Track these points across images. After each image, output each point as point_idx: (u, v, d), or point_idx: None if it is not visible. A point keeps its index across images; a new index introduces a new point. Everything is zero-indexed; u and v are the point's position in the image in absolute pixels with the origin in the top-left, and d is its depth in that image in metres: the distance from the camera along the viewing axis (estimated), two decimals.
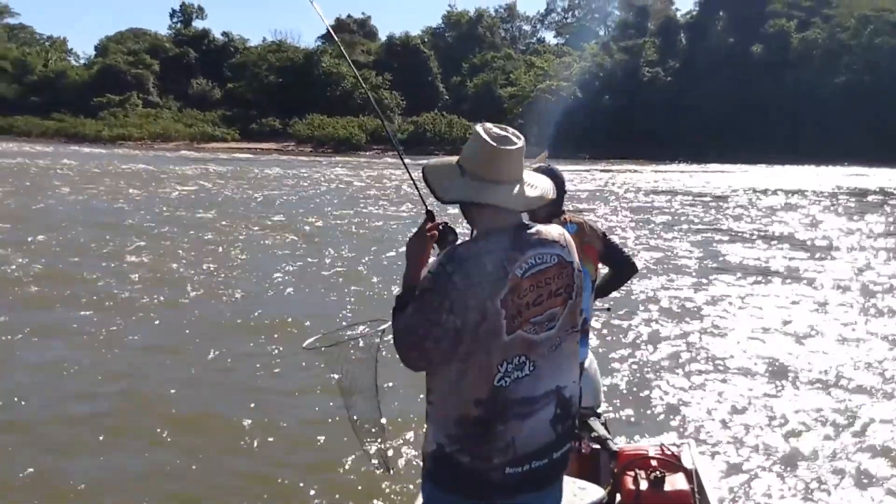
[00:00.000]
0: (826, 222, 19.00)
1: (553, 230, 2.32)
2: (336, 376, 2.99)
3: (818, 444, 5.32)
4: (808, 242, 15.41)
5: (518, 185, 2.27)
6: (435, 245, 2.52)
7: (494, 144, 2.23)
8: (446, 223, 2.56)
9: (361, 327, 3.02)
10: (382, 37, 77.19)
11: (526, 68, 66.28)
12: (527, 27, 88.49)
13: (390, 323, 2.56)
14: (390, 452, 4.70)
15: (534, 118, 55.00)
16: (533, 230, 2.27)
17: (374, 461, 3.31)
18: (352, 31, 77.82)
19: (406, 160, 3.07)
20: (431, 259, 2.36)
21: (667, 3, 74.35)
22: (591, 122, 55.42)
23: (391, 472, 4.31)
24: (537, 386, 2.24)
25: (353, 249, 13.07)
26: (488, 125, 2.29)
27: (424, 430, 2.36)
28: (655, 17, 69.57)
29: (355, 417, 3.21)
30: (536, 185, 2.32)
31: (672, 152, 50.04)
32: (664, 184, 31.50)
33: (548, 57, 69.60)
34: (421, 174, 2.34)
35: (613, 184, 30.90)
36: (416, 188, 2.64)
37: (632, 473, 3.34)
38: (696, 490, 3.33)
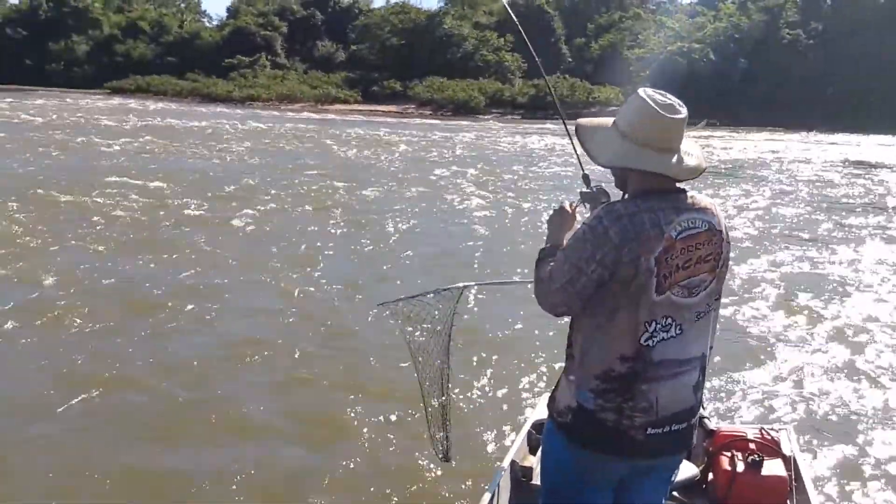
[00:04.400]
0: None
1: (705, 198, 2.34)
2: (409, 335, 3.12)
3: None
4: None
5: (679, 154, 2.27)
6: (587, 205, 2.69)
7: (663, 112, 2.23)
8: (600, 185, 2.72)
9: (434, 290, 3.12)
10: None
11: (656, 29, 63.33)
12: None
13: (469, 284, 3.01)
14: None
15: (662, 82, 52.56)
16: (688, 195, 2.29)
17: (439, 447, 3.38)
18: None
19: (565, 126, 2.99)
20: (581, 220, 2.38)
21: None
22: (724, 86, 52.55)
23: (452, 462, 4.14)
24: (684, 350, 2.28)
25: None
26: (649, 91, 2.31)
27: (558, 381, 2.40)
28: None
29: (427, 383, 3.27)
30: (693, 153, 2.32)
31: (813, 121, 46.70)
32: (808, 154, 29.30)
33: (680, 17, 66.16)
34: (574, 132, 2.37)
35: (753, 153, 29.01)
36: (576, 154, 2.70)
37: (728, 454, 3.29)
38: (793, 478, 3.26)
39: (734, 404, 5.44)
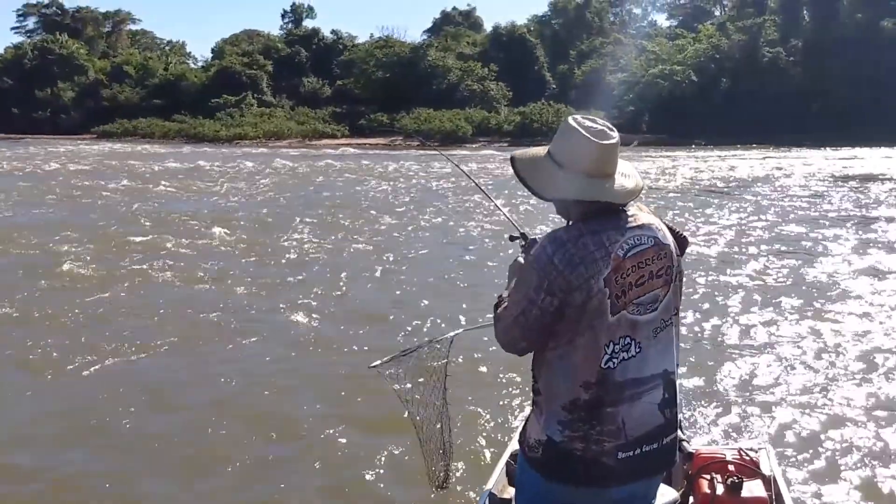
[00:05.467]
0: None
1: (646, 214, 2.31)
2: (406, 398, 3.07)
3: None
4: None
5: (617, 179, 2.25)
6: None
7: (595, 139, 2.21)
8: (540, 236, 2.57)
9: (426, 341, 3.11)
10: (488, 27, 76.61)
11: (637, 53, 64.12)
12: (637, 10, 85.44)
13: (458, 332, 2.89)
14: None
15: (646, 104, 53.21)
16: (629, 214, 2.27)
17: (439, 475, 3.35)
18: (458, 23, 77.66)
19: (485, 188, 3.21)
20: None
21: None
22: (707, 106, 53.07)
23: (446, 489, 4.11)
24: (644, 367, 2.24)
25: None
26: (578, 118, 2.28)
27: (528, 418, 2.38)
28: None
29: (422, 438, 3.25)
30: (630, 174, 2.30)
31: (797, 136, 47.18)
32: (795, 169, 29.50)
33: (660, 40, 67.03)
34: (510, 165, 2.31)
35: (739, 171, 29.23)
36: (503, 212, 2.85)
37: (708, 477, 3.28)
38: (773, 498, 3.27)
39: (712, 425, 5.38)
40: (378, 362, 3.14)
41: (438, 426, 3.37)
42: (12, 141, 53.51)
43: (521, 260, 2.51)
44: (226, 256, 11.67)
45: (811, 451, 4.98)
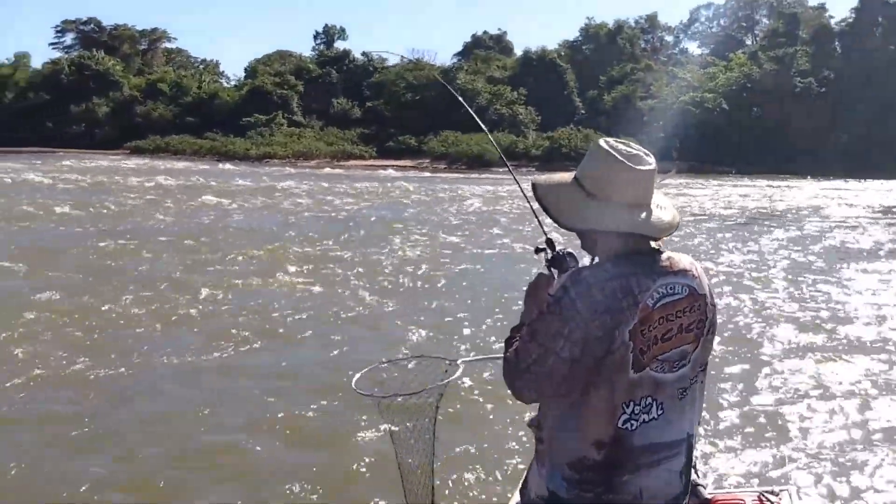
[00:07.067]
0: None
1: (683, 259, 2.06)
2: (393, 427, 2.83)
3: None
4: None
5: (653, 209, 2.01)
6: (553, 270, 2.33)
7: (630, 164, 1.98)
8: (567, 249, 2.40)
9: (413, 363, 2.92)
10: (518, 52, 76.84)
11: (668, 80, 63.95)
12: (669, 38, 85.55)
13: (450, 379, 2.65)
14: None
15: (676, 132, 52.88)
16: (664, 257, 2.02)
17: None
18: (488, 47, 77.99)
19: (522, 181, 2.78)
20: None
21: (820, 10, 69.85)
22: (738, 135, 52.70)
23: None
24: (667, 432, 2.02)
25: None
26: (611, 141, 2.06)
27: (529, 468, 2.19)
28: (807, 25, 65.36)
29: (410, 464, 3.00)
30: (665, 206, 2.06)
31: (829, 167, 46.67)
32: (824, 199, 29.09)
33: (691, 68, 66.90)
34: (532, 191, 2.10)
35: (773, 200, 28.87)
36: (536, 216, 2.48)
37: None
38: None
39: (730, 465, 5.10)
40: (360, 377, 2.88)
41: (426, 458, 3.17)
42: (46, 155, 54.30)
43: (545, 272, 2.32)
44: (269, 270, 11.76)
45: (837, 493, 4.74)
